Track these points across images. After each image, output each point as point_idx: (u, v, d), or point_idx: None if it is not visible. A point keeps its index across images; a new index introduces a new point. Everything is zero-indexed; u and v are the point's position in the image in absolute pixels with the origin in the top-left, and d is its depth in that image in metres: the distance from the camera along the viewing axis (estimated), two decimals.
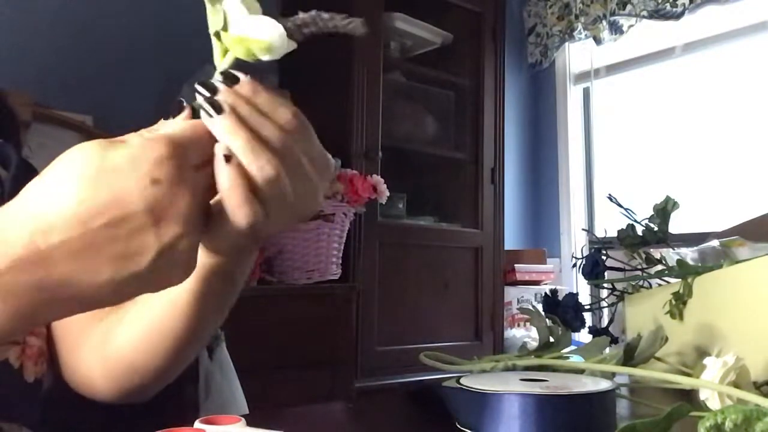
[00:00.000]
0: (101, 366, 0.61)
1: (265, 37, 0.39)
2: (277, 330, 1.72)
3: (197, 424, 0.46)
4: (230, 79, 0.40)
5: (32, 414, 0.62)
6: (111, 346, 0.59)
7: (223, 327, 1.51)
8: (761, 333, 0.70)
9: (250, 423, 0.46)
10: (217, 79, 0.40)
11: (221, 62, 0.41)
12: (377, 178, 1.97)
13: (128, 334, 0.58)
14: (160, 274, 0.37)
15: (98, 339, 0.60)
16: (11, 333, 0.38)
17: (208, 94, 0.39)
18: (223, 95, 0.39)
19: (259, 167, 0.38)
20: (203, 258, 0.48)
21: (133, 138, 0.37)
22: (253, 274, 1.76)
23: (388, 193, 1.99)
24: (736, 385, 0.58)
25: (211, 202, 0.41)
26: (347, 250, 2.00)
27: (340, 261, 1.96)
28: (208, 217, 0.40)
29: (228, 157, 0.38)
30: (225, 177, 0.38)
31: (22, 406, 0.61)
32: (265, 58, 0.40)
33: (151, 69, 2.07)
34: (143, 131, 0.38)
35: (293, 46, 0.40)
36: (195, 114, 0.40)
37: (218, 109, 0.39)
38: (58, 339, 0.64)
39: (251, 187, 0.39)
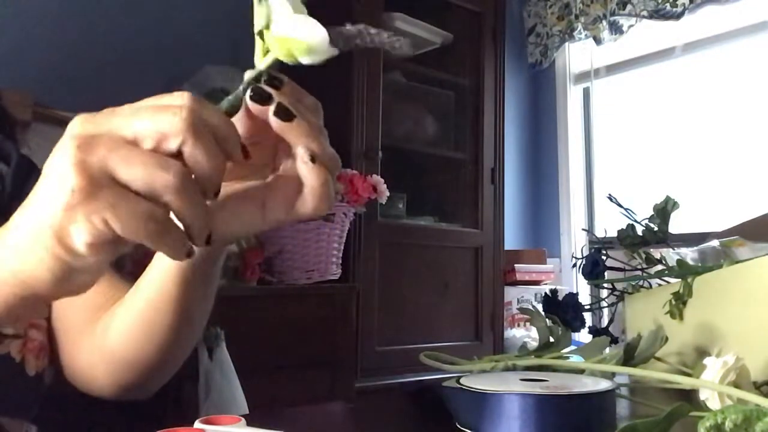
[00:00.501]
0: (100, 361, 0.61)
1: (307, 39, 0.39)
2: (277, 330, 1.72)
3: (197, 424, 0.46)
4: (275, 82, 0.40)
5: (33, 408, 0.62)
6: (107, 340, 0.60)
7: (223, 327, 1.52)
8: (761, 333, 0.70)
9: (250, 423, 0.46)
10: (259, 79, 0.40)
11: (261, 61, 0.40)
12: (377, 178, 1.97)
13: (120, 327, 0.58)
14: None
15: (97, 336, 0.61)
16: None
17: (276, 99, 0.39)
18: (282, 98, 0.39)
19: (334, 164, 0.40)
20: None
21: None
22: (253, 273, 1.76)
23: (388, 193, 1.99)
24: (736, 385, 0.58)
25: (228, 191, 0.41)
26: (347, 250, 2.00)
27: (340, 261, 1.96)
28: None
29: (313, 158, 0.39)
30: (315, 176, 0.39)
31: (24, 400, 0.61)
32: (305, 61, 0.40)
33: (151, 69, 2.07)
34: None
35: (334, 52, 0.40)
36: (228, 113, 0.40)
37: (289, 115, 0.39)
38: (59, 334, 0.65)
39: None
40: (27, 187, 0.67)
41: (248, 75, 0.40)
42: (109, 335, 0.59)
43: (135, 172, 0.33)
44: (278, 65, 0.41)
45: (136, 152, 0.33)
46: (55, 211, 0.33)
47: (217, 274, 0.54)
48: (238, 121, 0.40)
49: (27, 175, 0.69)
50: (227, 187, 0.40)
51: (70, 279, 0.36)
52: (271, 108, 0.39)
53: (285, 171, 0.41)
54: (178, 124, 0.34)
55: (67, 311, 0.65)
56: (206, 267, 0.51)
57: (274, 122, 0.39)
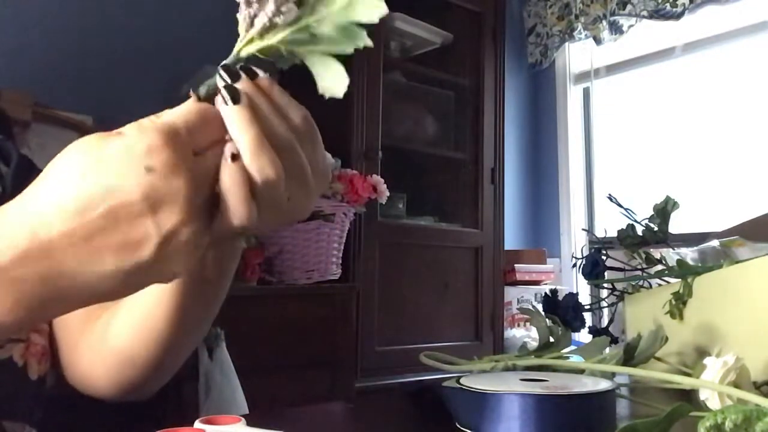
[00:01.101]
0: (100, 362, 0.61)
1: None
2: (277, 330, 1.72)
3: (197, 424, 0.46)
4: (249, 73, 0.39)
5: (36, 412, 0.62)
6: (107, 340, 0.59)
7: (223, 327, 1.52)
8: (761, 333, 0.70)
9: (250, 423, 0.46)
10: (231, 64, 0.39)
11: (243, 47, 0.39)
12: (377, 178, 1.97)
13: (121, 326, 0.58)
14: (164, 263, 0.37)
15: (96, 335, 0.61)
16: (19, 326, 0.38)
17: (229, 80, 0.38)
18: (243, 84, 0.38)
19: (260, 168, 0.38)
20: None
21: (128, 128, 0.36)
22: (253, 273, 1.76)
23: (388, 193, 1.99)
24: (736, 385, 0.58)
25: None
26: (347, 250, 2.00)
27: (340, 261, 1.96)
28: (216, 201, 0.39)
29: (235, 156, 0.38)
30: (227, 175, 0.38)
31: (26, 404, 0.61)
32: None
33: (151, 69, 2.07)
34: (142, 120, 0.37)
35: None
36: (206, 99, 0.39)
37: (236, 98, 0.38)
38: (59, 337, 0.65)
39: (250, 187, 0.38)
40: (26, 187, 0.67)
41: (228, 60, 0.40)
42: (110, 334, 0.59)
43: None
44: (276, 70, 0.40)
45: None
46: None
47: (224, 284, 0.54)
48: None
49: (27, 175, 0.69)
50: None
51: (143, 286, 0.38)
52: (222, 90, 0.38)
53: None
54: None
55: None
56: (208, 275, 0.52)
57: (218, 101, 0.38)
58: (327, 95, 0.40)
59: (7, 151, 0.69)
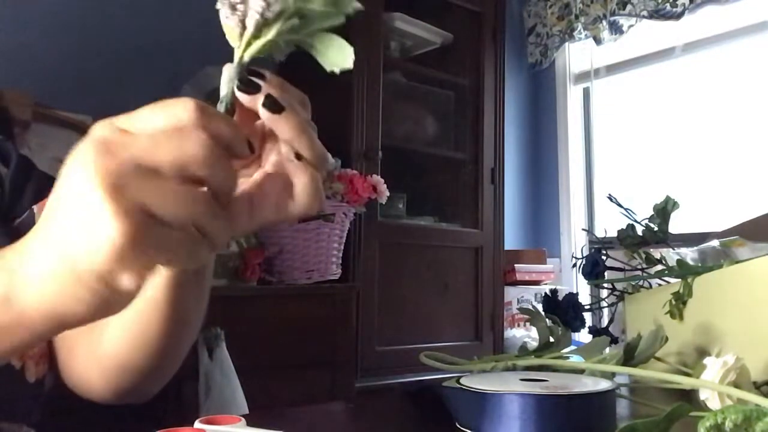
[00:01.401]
0: (96, 367, 0.61)
1: None
2: (277, 330, 1.72)
3: (197, 424, 0.46)
4: (258, 74, 0.39)
5: (34, 414, 0.62)
6: (102, 346, 0.59)
7: (223, 327, 1.52)
8: (761, 333, 0.70)
9: (250, 423, 0.46)
10: (243, 74, 0.39)
11: (244, 52, 0.39)
12: (377, 178, 1.97)
13: (114, 333, 0.58)
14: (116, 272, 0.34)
15: (92, 340, 0.61)
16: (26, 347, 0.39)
17: (267, 92, 0.39)
18: (273, 89, 0.39)
19: (320, 157, 0.40)
20: None
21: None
22: (253, 273, 1.76)
23: (388, 193, 1.99)
24: (736, 385, 0.58)
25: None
26: (347, 250, 2.00)
27: (340, 261, 1.96)
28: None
29: (299, 155, 0.39)
30: (302, 173, 0.39)
31: (24, 406, 0.61)
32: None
33: (151, 69, 2.07)
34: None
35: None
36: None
37: (279, 107, 0.38)
38: (56, 340, 0.65)
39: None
40: (27, 188, 0.67)
41: (228, 69, 0.40)
42: (103, 341, 0.59)
43: (172, 210, 0.33)
44: (277, 67, 0.40)
45: (167, 187, 0.33)
46: (100, 258, 0.32)
47: (209, 275, 0.54)
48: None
49: (27, 176, 0.69)
50: None
51: (110, 310, 0.35)
52: (260, 99, 0.38)
53: (272, 168, 0.40)
54: (199, 152, 0.34)
55: None
56: (190, 274, 0.51)
57: (264, 114, 0.39)
58: (337, 70, 0.40)
59: (6, 151, 0.69)
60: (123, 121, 0.35)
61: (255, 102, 0.39)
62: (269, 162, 0.41)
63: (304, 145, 0.39)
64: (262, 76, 0.39)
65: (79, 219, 0.33)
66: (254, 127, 0.40)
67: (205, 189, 0.34)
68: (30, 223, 0.64)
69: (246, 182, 0.41)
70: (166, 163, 0.33)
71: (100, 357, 0.60)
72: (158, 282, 0.51)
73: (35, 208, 0.66)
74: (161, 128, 0.34)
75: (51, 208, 0.35)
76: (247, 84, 0.39)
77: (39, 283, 0.35)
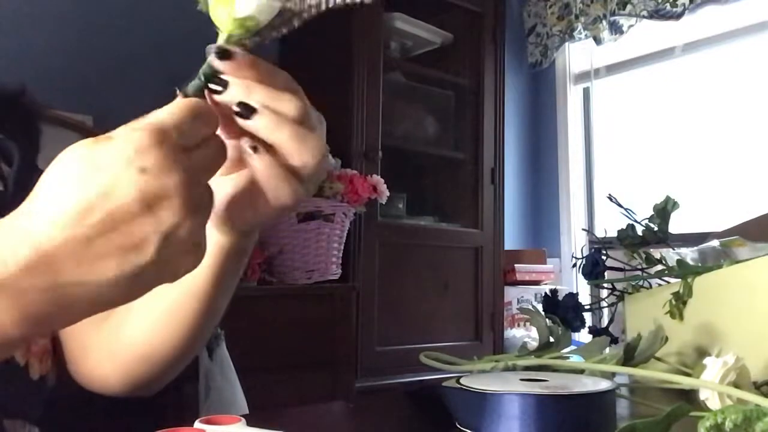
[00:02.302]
0: (111, 361, 0.61)
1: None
2: (277, 330, 1.72)
3: (197, 424, 0.46)
4: (226, 53, 0.40)
5: (36, 411, 0.62)
6: (122, 339, 0.59)
7: (223, 327, 1.52)
8: (761, 333, 0.70)
9: (250, 423, 0.46)
10: (214, 64, 0.40)
11: (220, 38, 0.40)
12: (377, 178, 1.97)
13: (141, 324, 0.57)
14: (168, 264, 0.37)
15: (107, 334, 0.61)
16: (25, 339, 0.38)
17: (234, 98, 0.39)
18: (242, 91, 0.39)
19: (302, 159, 0.40)
20: (220, 239, 0.48)
21: (118, 131, 0.36)
22: (253, 273, 1.76)
23: (388, 193, 1.99)
24: (736, 385, 0.58)
25: (236, 182, 0.43)
26: (347, 250, 2.00)
27: (340, 261, 1.96)
28: (211, 196, 0.39)
29: (255, 148, 0.39)
30: (261, 166, 0.40)
31: (27, 403, 0.61)
32: (241, 13, 0.39)
33: (151, 69, 2.07)
34: (131, 123, 0.37)
35: (276, 6, 0.39)
36: (195, 95, 0.40)
37: (250, 110, 0.39)
38: (65, 335, 0.64)
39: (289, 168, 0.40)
40: (29, 188, 0.67)
41: (209, 51, 0.40)
42: (125, 333, 0.59)
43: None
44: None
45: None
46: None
47: (242, 267, 0.54)
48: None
49: (30, 176, 0.69)
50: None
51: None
52: (234, 108, 0.39)
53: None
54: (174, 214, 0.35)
55: None
56: (236, 260, 0.51)
57: (241, 123, 0.39)
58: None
59: (8, 150, 0.69)
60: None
61: (226, 106, 0.39)
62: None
63: (281, 138, 0.39)
64: (228, 56, 0.39)
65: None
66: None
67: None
68: None
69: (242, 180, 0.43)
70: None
71: (116, 351, 0.60)
72: (198, 273, 0.51)
73: None
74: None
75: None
76: (213, 83, 0.40)
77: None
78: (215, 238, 0.48)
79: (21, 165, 0.68)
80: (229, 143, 0.40)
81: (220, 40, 0.39)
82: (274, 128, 0.39)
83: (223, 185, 0.44)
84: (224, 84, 0.39)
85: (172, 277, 0.38)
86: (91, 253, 0.35)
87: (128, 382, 0.62)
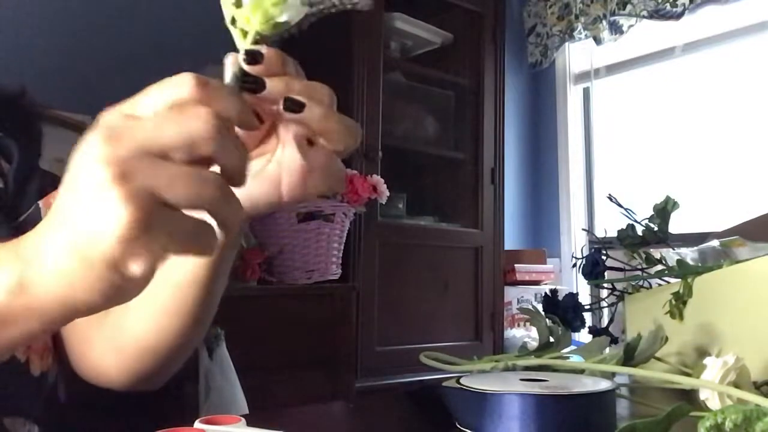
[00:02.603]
0: (113, 354, 0.61)
1: None
2: (277, 330, 1.72)
3: (197, 424, 0.46)
4: (256, 55, 0.39)
5: (37, 408, 0.62)
6: (124, 332, 0.59)
7: (223, 327, 1.52)
8: (761, 333, 0.70)
9: (250, 423, 0.46)
10: (247, 68, 0.39)
11: (243, 42, 0.39)
12: (377, 178, 1.97)
13: (142, 316, 0.58)
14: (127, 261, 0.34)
15: (109, 328, 0.61)
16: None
17: (278, 95, 0.39)
18: (283, 87, 0.39)
19: (347, 142, 0.40)
20: None
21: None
22: (253, 273, 1.76)
23: (388, 193, 1.99)
24: (736, 385, 0.58)
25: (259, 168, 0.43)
26: (347, 250, 2.00)
27: (340, 261, 1.96)
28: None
29: (310, 141, 0.40)
30: (318, 155, 0.40)
31: (28, 400, 0.61)
32: (283, 18, 0.39)
33: (151, 69, 2.06)
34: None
35: (305, 10, 0.39)
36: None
37: (298, 104, 0.39)
38: (66, 330, 0.65)
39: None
40: (30, 185, 0.67)
41: (229, 61, 0.39)
42: (126, 325, 0.59)
43: (181, 194, 0.33)
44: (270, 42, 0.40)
45: (176, 171, 0.33)
46: (109, 244, 0.32)
47: (236, 251, 0.54)
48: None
49: (30, 173, 0.69)
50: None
51: (121, 297, 0.35)
52: (281, 103, 0.39)
53: (290, 147, 0.41)
54: (205, 131, 0.33)
55: None
56: (233, 245, 0.52)
57: (288, 116, 0.39)
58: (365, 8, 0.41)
59: (8, 148, 0.69)
60: (128, 106, 0.36)
61: (265, 103, 0.39)
62: (287, 142, 0.41)
63: (329, 134, 0.40)
64: (258, 59, 0.38)
65: (88, 206, 0.32)
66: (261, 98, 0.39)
67: (215, 170, 0.34)
68: (36, 218, 0.64)
69: (273, 160, 0.42)
70: (172, 144, 0.33)
71: (120, 343, 0.60)
72: (196, 262, 0.51)
73: (41, 203, 0.66)
74: (164, 108, 0.34)
75: (61, 197, 0.35)
76: (250, 82, 0.38)
77: (52, 270, 0.34)
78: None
79: (21, 163, 0.68)
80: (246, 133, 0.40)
81: (247, 42, 0.39)
82: (323, 117, 0.39)
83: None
84: (261, 83, 0.39)
85: (135, 281, 0.35)
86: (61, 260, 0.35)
87: (131, 375, 0.62)
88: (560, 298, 0.96)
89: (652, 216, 0.93)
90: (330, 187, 0.42)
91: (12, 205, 0.66)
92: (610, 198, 1.00)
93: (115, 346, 0.61)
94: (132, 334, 0.59)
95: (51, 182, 0.69)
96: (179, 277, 0.53)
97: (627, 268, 0.96)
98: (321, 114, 0.39)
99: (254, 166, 0.43)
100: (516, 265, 2.60)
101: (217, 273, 0.53)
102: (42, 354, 0.62)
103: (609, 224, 1.06)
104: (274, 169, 0.42)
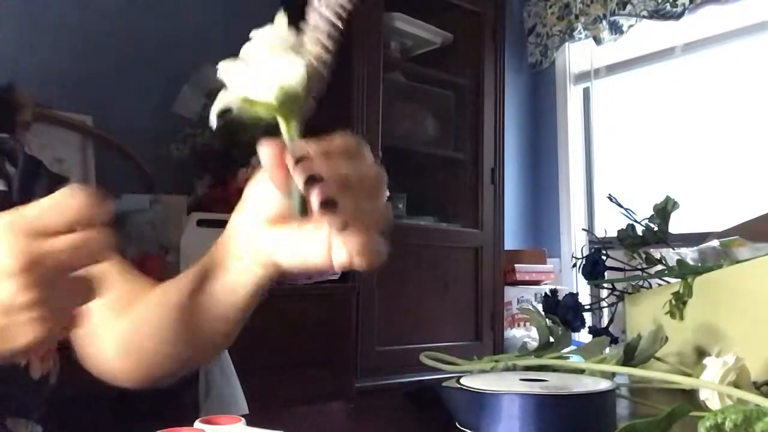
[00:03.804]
0: (125, 357, 0.61)
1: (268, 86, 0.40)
2: (277, 330, 1.72)
3: (197, 424, 0.46)
4: (303, 153, 0.42)
5: (38, 409, 0.62)
6: (135, 336, 0.60)
7: None
8: (761, 333, 0.70)
9: (250, 423, 0.46)
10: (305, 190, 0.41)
11: (285, 132, 0.42)
12: None
13: (159, 328, 0.58)
14: (4, 330, 0.40)
15: (119, 331, 0.61)
16: None
17: (338, 204, 0.42)
18: (316, 162, 0.42)
19: (379, 223, 0.47)
20: (262, 274, 0.51)
21: None
22: None
23: (388, 193, 1.98)
24: (736, 385, 0.58)
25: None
26: None
27: None
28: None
29: (345, 224, 0.44)
30: (352, 241, 0.45)
31: (28, 403, 0.61)
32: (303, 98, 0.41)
33: (151, 69, 2.07)
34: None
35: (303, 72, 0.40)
36: None
37: (332, 204, 0.41)
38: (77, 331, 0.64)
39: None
40: (36, 187, 0.67)
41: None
42: (144, 330, 0.59)
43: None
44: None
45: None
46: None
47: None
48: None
49: (35, 175, 0.69)
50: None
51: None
52: (318, 200, 0.41)
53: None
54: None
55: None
56: (265, 289, 0.54)
57: (326, 217, 0.43)
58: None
59: (13, 150, 0.69)
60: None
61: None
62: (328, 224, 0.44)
63: (361, 222, 0.45)
64: (305, 156, 0.42)
65: None
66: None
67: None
68: None
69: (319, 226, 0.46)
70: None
71: (129, 349, 0.61)
72: (236, 301, 0.53)
73: None
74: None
75: None
76: (325, 204, 0.42)
77: None
78: (258, 272, 0.51)
79: (26, 165, 0.68)
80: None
81: (286, 136, 0.43)
82: (355, 209, 0.44)
83: (284, 232, 0.48)
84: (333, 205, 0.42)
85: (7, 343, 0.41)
86: None
87: (143, 376, 0.62)
88: (560, 298, 0.96)
89: (652, 216, 0.93)
90: (371, 262, 0.46)
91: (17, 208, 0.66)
92: (610, 198, 1.00)
93: (126, 352, 0.61)
94: (148, 339, 0.59)
95: (57, 183, 0.69)
96: (208, 310, 0.55)
97: (627, 268, 0.96)
98: (352, 207, 0.43)
99: (308, 233, 0.47)
100: (516, 265, 2.60)
101: (246, 313, 0.56)
102: (43, 357, 0.62)
103: (609, 224, 1.06)
104: (323, 243, 0.47)
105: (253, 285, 0.52)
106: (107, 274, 0.63)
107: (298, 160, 0.41)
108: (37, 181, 0.68)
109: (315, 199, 0.41)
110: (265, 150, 0.43)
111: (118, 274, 0.65)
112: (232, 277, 0.52)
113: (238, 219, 0.52)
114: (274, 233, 0.49)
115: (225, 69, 0.40)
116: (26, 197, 0.66)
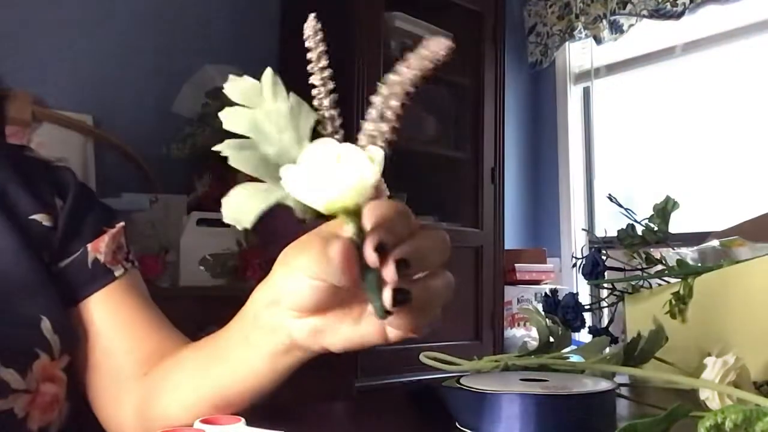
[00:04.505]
0: (141, 424, 0.58)
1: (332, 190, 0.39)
2: None
3: (197, 424, 0.46)
4: (407, 295, 0.40)
5: None
6: (156, 406, 0.57)
7: (223, 326, 1.51)
8: (761, 333, 0.70)
9: (250, 423, 0.46)
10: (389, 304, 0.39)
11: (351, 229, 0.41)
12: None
13: (181, 398, 0.55)
14: None
15: (140, 396, 0.59)
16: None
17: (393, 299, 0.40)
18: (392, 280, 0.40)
19: (436, 307, 0.44)
20: (303, 353, 0.49)
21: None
22: (253, 273, 1.76)
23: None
24: (736, 385, 0.58)
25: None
26: None
27: None
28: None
29: (396, 302, 0.40)
30: (399, 319, 0.42)
31: None
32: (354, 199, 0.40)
33: (151, 69, 2.07)
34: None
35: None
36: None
37: (408, 298, 0.40)
38: (93, 386, 0.62)
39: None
40: (85, 222, 0.62)
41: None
42: (161, 401, 0.56)
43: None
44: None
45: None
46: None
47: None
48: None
49: (87, 208, 0.64)
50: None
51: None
52: (391, 294, 0.39)
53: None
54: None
55: (109, 360, 0.61)
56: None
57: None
58: None
59: (64, 182, 0.64)
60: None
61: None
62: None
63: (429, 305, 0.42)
64: (408, 298, 0.40)
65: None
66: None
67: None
68: (82, 262, 0.61)
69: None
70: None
71: (148, 416, 0.57)
72: (272, 375, 0.52)
73: (89, 246, 0.62)
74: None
75: None
76: (400, 300, 0.40)
77: None
78: (298, 354, 0.49)
79: (77, 198, 0.63)
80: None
81: (351, 233, 0.41)
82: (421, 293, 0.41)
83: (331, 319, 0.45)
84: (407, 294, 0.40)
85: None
86: None
87: None
88: (560, 298, 0.96)
89: (652, 216, 0.93)
90: (425, 333, 0.45)
91: (60, 248, 0.61)
92: (610, 198, 1.00)
93: (144, 417, 0.58)
94: (167, 410, 0.56)
95: (107, 217, 0.65)
96: (237, 379, 0.52)
97: (627, 268, 0.96)
98: (424, 295, 0.41)
99: (358, 315, 0.45)
100: (516, 265, 2.60)
101: (276, 386, 0.53)
102: (46, 408, 0.58)
103: (609, 224, 1.06)
104: (377, 324, 0.45)
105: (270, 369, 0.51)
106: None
107: (382, 260, 0.39)
108: (86, 217, 0.64)
109: (388, 296, 0.39)
110: (337, 249, 0.39)
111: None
112: (241, 365, 0.52)
113: (265, 312, 0.51)
114: (313, 323, 0.46)
115: (288, 176, 0.37)
116: (72, 237, 0.62)
